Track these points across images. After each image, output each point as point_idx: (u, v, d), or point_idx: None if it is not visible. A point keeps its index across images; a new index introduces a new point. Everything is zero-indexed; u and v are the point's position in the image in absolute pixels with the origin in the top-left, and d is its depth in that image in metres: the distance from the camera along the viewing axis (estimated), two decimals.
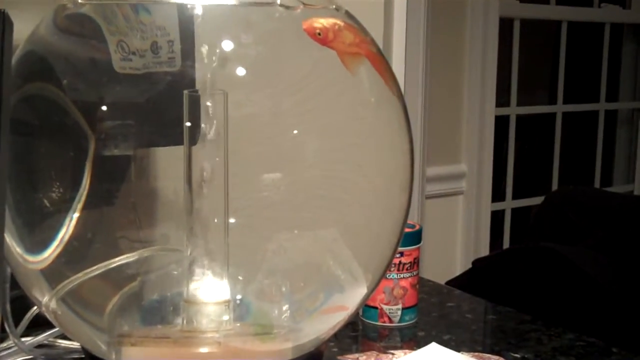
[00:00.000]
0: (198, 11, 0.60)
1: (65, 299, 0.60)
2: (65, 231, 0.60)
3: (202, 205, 0.59)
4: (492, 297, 0.98)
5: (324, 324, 0.63)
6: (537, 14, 2.35)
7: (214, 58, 0.60)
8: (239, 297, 0.61)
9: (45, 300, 0.61)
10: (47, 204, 0.61)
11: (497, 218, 2.27)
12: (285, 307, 0.62)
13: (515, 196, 2.37)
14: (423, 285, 0.97)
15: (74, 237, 0.59)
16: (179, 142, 0.59)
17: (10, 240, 0.60)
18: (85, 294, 0.61)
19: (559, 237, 1.43)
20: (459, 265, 2.02)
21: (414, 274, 0.89)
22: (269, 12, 0.63)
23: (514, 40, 2.31)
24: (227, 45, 0.60)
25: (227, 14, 0.63)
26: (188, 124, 0.58)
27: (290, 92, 0.60)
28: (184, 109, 0.59)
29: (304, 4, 0.65)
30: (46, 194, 0.61)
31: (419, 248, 0.90)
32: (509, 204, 2.36)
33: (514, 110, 2.34)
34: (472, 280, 1.24)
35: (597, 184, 2.58)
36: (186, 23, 0.61)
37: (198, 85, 0.59)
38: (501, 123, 2.22)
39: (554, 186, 2.48)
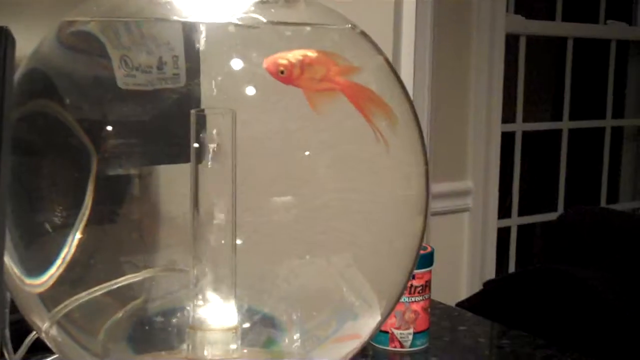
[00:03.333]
0: (204, 27, 0.59)
1: (63, 323, 0.58)
2: (67, 253, 0.57)
3: (208, 226, 0.57)
4: (504, 320, 0.96)
5: (336, 353, 0.60)
6: (543, 31, 2.33)
7: (219, 76, 0.58)
8: (247, 324, 0.59)
9: (46, 327, 0.59)
10: (48, 225, 0.59)
11: (502, 235, 2.25)
12: (295, 336, 0.60)
13: (520, 213, 2.35)
14: (433, 308, 0.95)
15: (75, 260, 0.57)
16: (184, 160, 0.57)
17: (9, 262, 0.58)
18: (85, 318, 0.59)
19: (573, 258, 1.40)
20: (465, 284, 1.99)
21: (426, 297, 0.87)
22: (278, 30, 0.61)
23: (519, 56, 2.29)
24: (236, 63, 0.58)
25: (235, 32, 0.61)
26: (196, 145, 0.55)
27: (302, 112, 0.57)
28: (191, 128, 0.57)
29: (313, 24, 0.63)
30: (47, 215, 0.59)
31: (430, 271, 0.87)
32: (514, 221, 2.34)
33: (520, 127, 2.32)
34: (483, 302, 1.22)
35: (603, 201, 2.55)
36: (191, 39, 0.59)
37: (204, 103, 0.58)
38: (506, 139, 2.20)
39: (560, 203, 2.45)
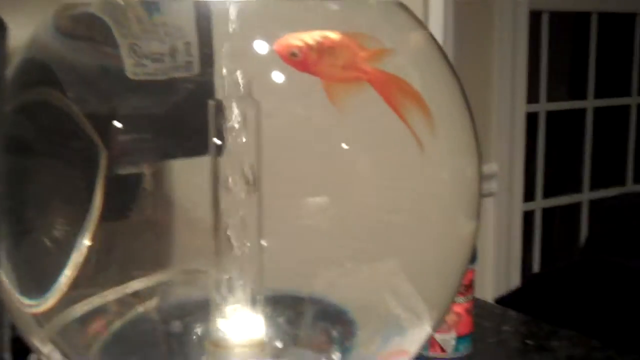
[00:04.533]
0: (221, 7, 0.51)
1: (63, 337, 0.52)
2: (71, 267, 0.51)
3: (231, 228, 0.50)
4: (551, 317, 0.88)
5: None
6: (566, 6, 2.24)
7: (240, 61, 0.51)
8: (277, 342, 0.52)
9: (47, 350, 0.52)
10: (50, 237, 0.52)
11: (526, 219, 2.17)
12: (335, 356, 0.52)
13: (545, 195, 2.27)
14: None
15: (80, 275, 0.51)
16: (200, 152, 0.51)
17: (6, 280, 0.51)
18: (85, 331, 0.53)
19: (623, 249, 1.31)
20: (492, 272, 1.92)
21: (469, 298, 0.79)
22: (307, 6, 0.54)
23: (542, 33, 2.20)
24: (260, 45, 0.51)
25: (257, 9, 0.53)
26: (218, 141, 0.48)
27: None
28: (210, 120, 0.50)
29: None
30: (48, 224, 0.52)
31: (474, 269, 0.80)
32: (539, 204, 2.26)
33: (543, 107, 2.24)
34: (526, 298, 1.13)
35: (629, 182, 2.47)
36: (204, 22, 0.52)
37: (220, 93, 0.51)
38: (529, 119, 2.12)
39: (585, 184, 2.37)
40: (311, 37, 0.46)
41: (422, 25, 0.57)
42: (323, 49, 0.46)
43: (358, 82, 0.47)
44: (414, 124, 0.48)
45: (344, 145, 0.49)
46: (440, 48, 0.57)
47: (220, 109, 0.51)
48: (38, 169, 0.53)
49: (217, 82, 0.52)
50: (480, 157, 0.55)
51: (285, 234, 0.51)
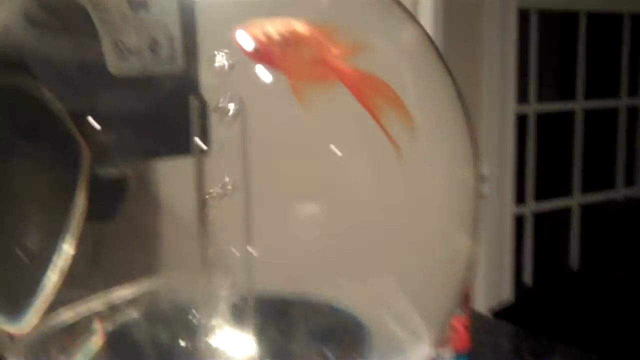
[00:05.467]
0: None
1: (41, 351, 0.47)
2: (52, 276, 0.47)
3: (218, 232, 0.46)
4: (548, 331, 0.84)
5: None
6: (556, 5, 2.21)
7: (223, 55, 0.46)
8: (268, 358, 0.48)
9: None
10: (25, 250, 0.48)
11: (517, 222, 2.14)
12: None
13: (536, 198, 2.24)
14: None
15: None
16: (183, 151, 0.48)
17: None
18: (66, 343, 0.48)
19: (616, 258, 1.27)
20: (484, 278, 1.88)
21: (466, 311, 0.75)
22: None
23: (530, 32, 2.17)
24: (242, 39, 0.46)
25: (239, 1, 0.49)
26: (202, 145, 0.44)
27: (331, 102, 0.45)
28: (192, 118, 0.46)
29: None
30: (23, 236, 0.48)
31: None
32: (530, 207, 2.22)
33: (533, 108, 2.21)
34: (521, 310, 1.09)
35: (619, 185, 2.44)
36: (188, 15, 0.49)
37: (205, 90, 0.47)
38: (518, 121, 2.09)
39: (575, 187, 2.34)
40: (274, 28, 0.41)
41: (415, 20, 0.52)
42: (287, 42, 0.41)
43: (327, 80, 0.42)
44: (392, 125, 0.43)
45: (335, 150, 0.45)
46: (433, 44, 0.53)
47: (204, 107, 0.47)
48: (10, 166, 0.49)
49: (202, 78, 0.48)
50: (479, 161, 0.51)
51: (274, 242, 0.47)
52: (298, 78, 0.41)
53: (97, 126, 0.47)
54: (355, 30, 0.48)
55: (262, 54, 0.41)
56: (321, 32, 0.42)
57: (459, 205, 0.49)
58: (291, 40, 0.41)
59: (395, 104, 0.43)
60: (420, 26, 0.52)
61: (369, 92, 0.43)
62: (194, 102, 0.46)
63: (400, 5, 0.52)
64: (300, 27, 0.42)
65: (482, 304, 1.67)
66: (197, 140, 0.46)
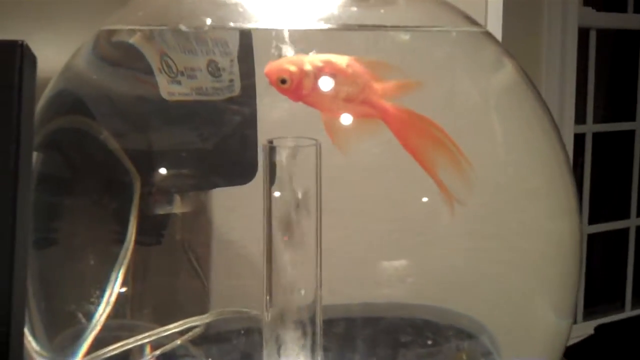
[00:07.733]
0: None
1: None
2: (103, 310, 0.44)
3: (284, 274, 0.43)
4: None
5: None
6: (616, 24, 2.15)
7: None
8: None
9: None
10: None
11: None
12: None
13: (591, 221, 2.17)
14: None
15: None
16: (242, 181, 0.47)
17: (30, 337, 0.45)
18: None
19: None
20: None
21: None
22: (367, 35, 0.47)
23: (590, 51, 2.11)
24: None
25: (308, 36, 0.46)
26: (277, 194, 0.41)
27: None
28: (262, 161, 0.43)
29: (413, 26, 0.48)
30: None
31: None
32: (585, 230, 2.16)
33: (590, 128, 2.14)
34: (595, 350, 1.05)
35: None
36: (246, 41, 0.47)
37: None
38: (575, 141, 2.03)
39: (633, 209, 2.26)
40: (310, 61, 0.38)
41: (511, 57, 0.49)
42: (321, 76, 0.38)
43: (368, 120, 0.38)
44: (446, 175, 0.39)
45: (423, 198, 0.42)
46: (532, 85, 0.49)
47: (273, 151, 0.44)
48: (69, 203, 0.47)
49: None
50: (580, 219, 0.47)
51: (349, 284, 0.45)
52: (331, 115, 0.38)
53: (153, 160, 0.45)
54: (430, 68, 0.45)
55: (292, 89, 0.38)
56: (363, 65, 0.39)
57: (563, 237, 0.46)
58: (324, 75, 0.38)
59: (446, 147, 0.39)
60: (518, 64, 0.49)
61: (417, 135, 0.39)
62: (265, 146, 0.42)
63: (496, 42, 0.49)
64: (338, 60, 0.38)
65: None
66: (270, 189, 0.42)
